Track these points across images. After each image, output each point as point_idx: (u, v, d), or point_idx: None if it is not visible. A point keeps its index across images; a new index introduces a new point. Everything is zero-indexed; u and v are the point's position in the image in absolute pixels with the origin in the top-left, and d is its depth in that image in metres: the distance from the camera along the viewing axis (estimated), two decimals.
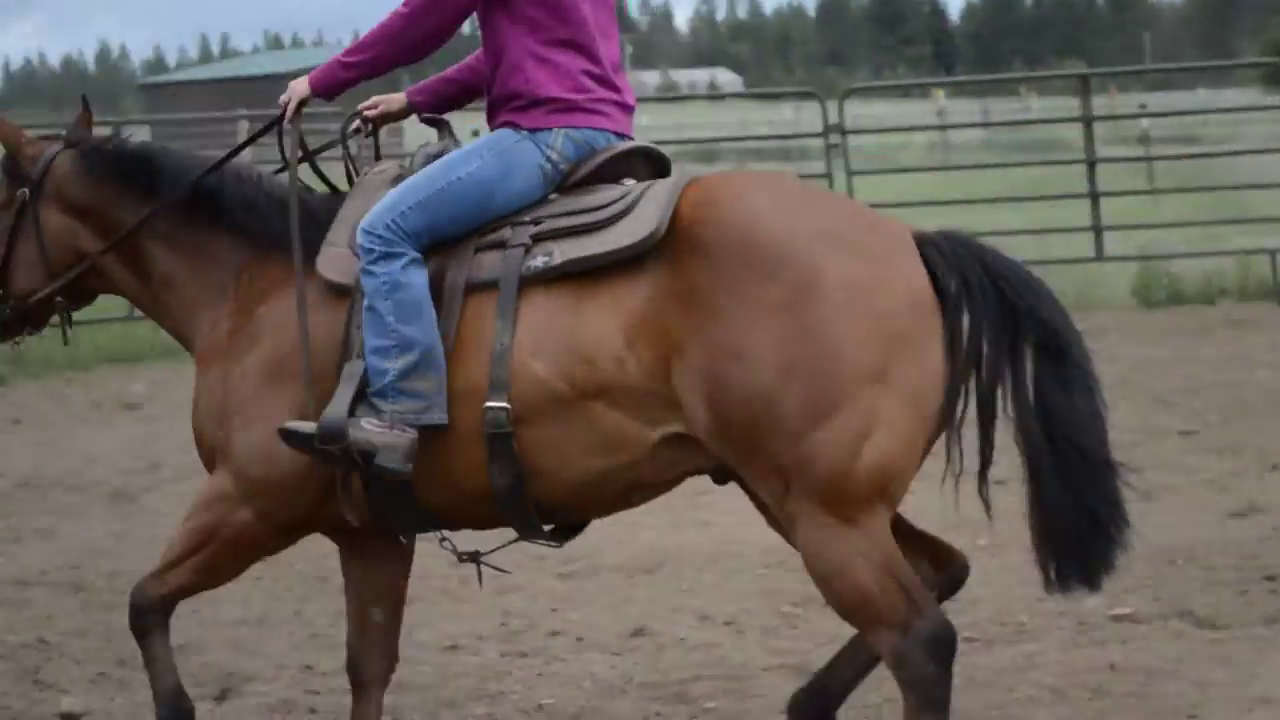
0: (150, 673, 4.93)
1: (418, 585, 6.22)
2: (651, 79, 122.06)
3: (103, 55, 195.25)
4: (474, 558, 4.91)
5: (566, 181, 4.71)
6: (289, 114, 4.91)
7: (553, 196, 4.70)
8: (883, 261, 4.34)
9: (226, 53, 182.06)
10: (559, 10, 4.68)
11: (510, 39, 4.71)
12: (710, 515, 7.99)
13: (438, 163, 4.75)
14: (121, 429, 11.15)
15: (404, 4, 4.70)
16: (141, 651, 4.95)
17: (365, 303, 4.54)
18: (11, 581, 7.53)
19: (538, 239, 4.56)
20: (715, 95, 72.54)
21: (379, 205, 4.62)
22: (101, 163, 5.16)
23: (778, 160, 34.10)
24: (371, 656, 5.09)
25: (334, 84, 4.82)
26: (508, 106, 4.74)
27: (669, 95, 67.68)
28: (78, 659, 6.51)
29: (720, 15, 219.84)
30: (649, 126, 28.17)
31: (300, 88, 4.87)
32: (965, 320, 4.34)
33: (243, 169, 5.11)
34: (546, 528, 4.74)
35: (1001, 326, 4.36)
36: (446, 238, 4.64)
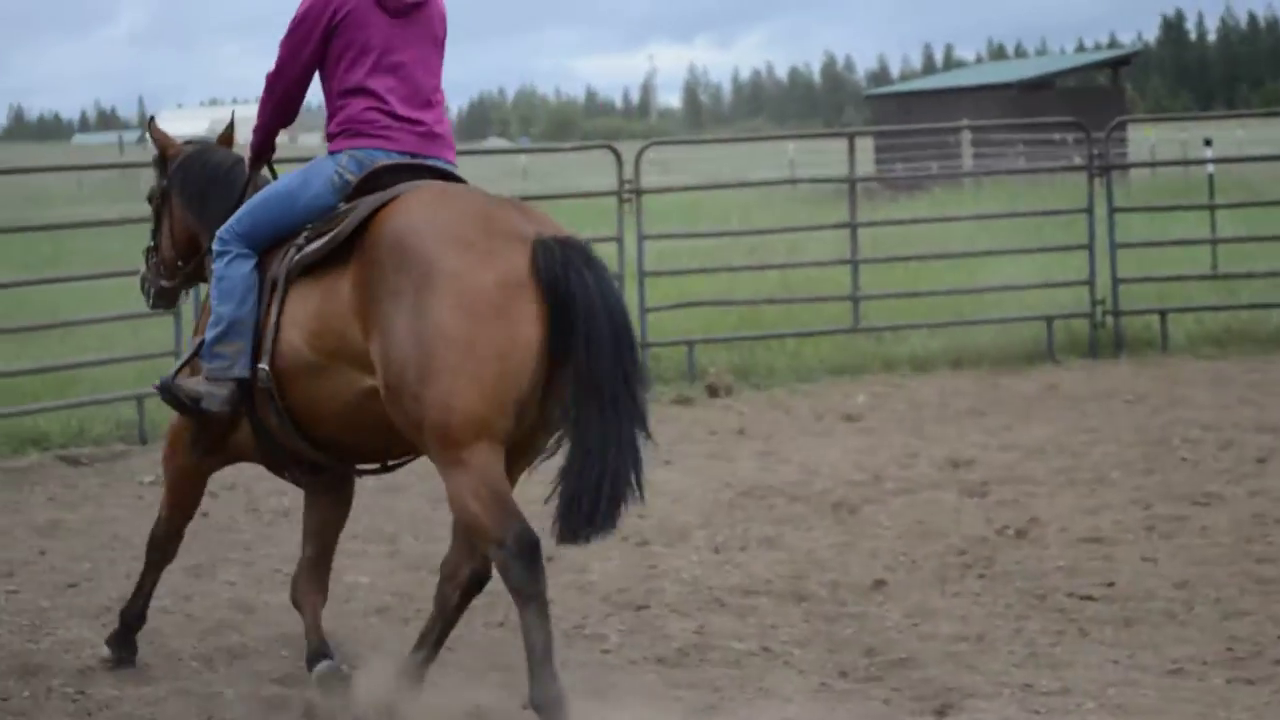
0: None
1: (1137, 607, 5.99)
2: None
3: (828, 67, 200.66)
4: None
5: (350, 189, 6.06)
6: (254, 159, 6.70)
7: (341, 205, 6.03)
8: (487, 254, 5.48)
9: (950, 63, 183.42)
10: (352, 72, 6.14)
11: (327, 94, 6.30)
12: None
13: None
14: (843, 440, 11.28)
15: (267, 77, 6.35)
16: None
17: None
18: (738, 589, 7.71)
19: (306, 241, 5.98)
20: None
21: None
22: (192, 169, 6.79)
23: None
24: (302, 583, 6.66)
25: (255, 151, 6.70)
26: (328, 140, 6.26)
27: None
28: (800, 669, 6.60)
29: None
30: None
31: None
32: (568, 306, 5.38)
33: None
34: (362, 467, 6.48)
35: (587, 315, 5.39)
36: (268, 238, 6.17)
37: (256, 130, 6.62)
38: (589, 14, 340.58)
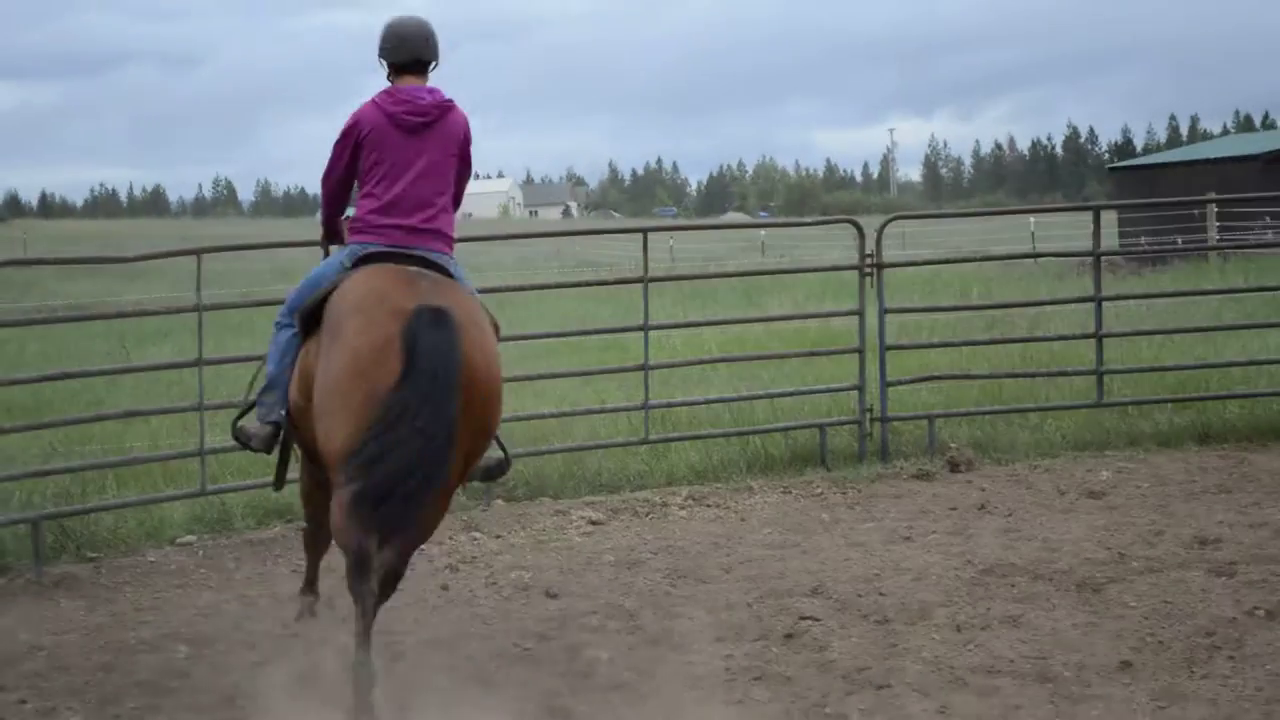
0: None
1: None
2: None
3: (1070, 139, 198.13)
4: None
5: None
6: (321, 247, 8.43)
7: None
8: (370, 324, 6.92)
9: (1195, 134, 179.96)
10: (368, 179, 7.64)
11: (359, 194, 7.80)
12: None
13: None
14: (1086, 517, 11.09)
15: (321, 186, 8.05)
16: None
17: None
18: (980, 669, 7.63)
19: None
20: None
21: None
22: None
23: None
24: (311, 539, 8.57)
25: (323, 232, 8.35)
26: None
27: None
28: None
29: None
30: None
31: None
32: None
33: None
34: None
35: (417, 359, 6.70)
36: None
37: (322, 217, 8.21)
38: (830, 87, 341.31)
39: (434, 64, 7.82)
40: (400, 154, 7.54)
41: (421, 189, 7.56)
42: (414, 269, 7.33)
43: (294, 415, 7.68)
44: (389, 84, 7.74)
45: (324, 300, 7.36)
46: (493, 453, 7.79)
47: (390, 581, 6.89)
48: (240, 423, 8.12)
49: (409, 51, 7.74)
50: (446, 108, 7.66)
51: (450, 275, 7.47)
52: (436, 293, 7.07)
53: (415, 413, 6.65)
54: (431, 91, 7.68)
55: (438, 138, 7.60)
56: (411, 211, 7.53)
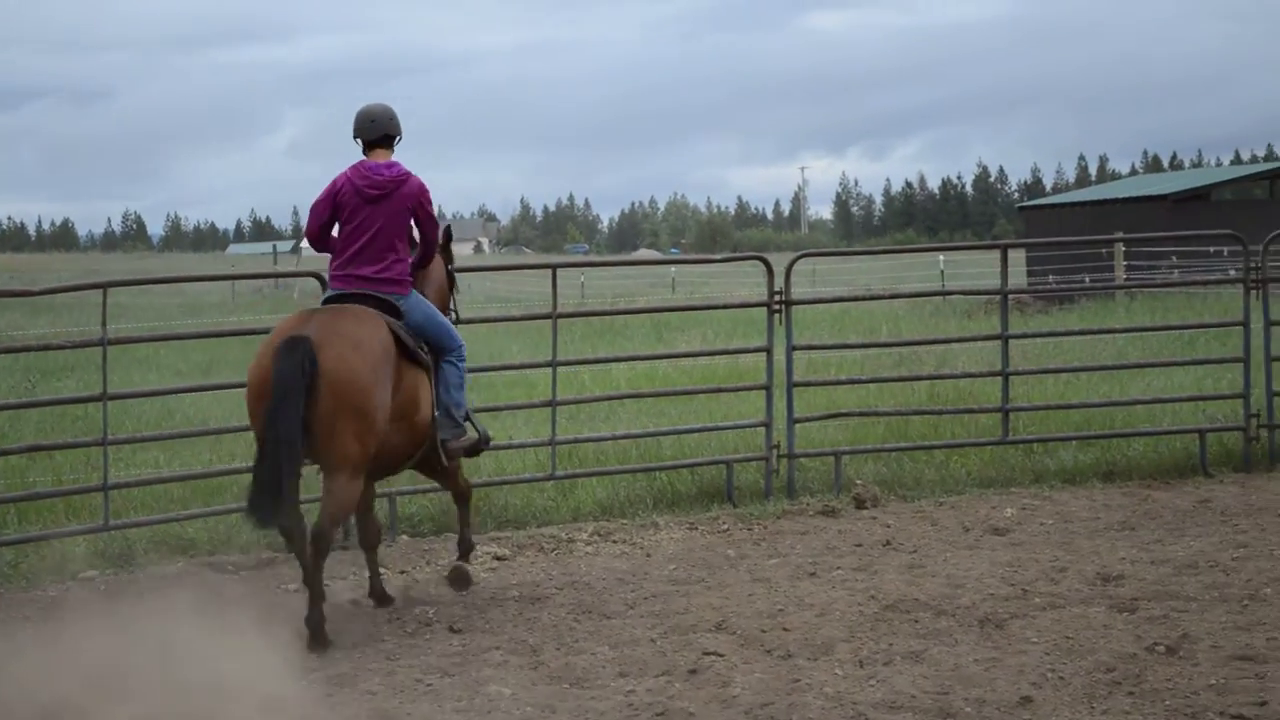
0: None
1: None
2: None
3: (981, 178, 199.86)
4: None
5: None
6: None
7: None
8: (265, 354, 9.14)
9: (1104, 174, 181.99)
10: (339, 234, 9.76)
11: None
12: None
13: None
14: (991, 553, 11.14)
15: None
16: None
17: None
18: (882, 705, 7.63)
19: None
20: None
21: None
22: None
23: None
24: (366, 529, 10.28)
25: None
26: None
27: None
28: None
29: None
30: None
31: None
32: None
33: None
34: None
35: (270, 382, 8.96)
36: None
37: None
38: (742, 125, 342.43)
39: (398, 138, 9.87)
40: (363, 218, 9.61)
41: (379, 245, 9.63)
42: (324, 306, 9.57)
43: None
44: (363, 156, 9.80)
45: None
46: (471, 433, 10.08)
47: (317, 539, 9.12)
48: None
49: (379, 129, 9.80)
50: (402, 180, 9.69)
51: (393, 306, 9.63)
52: (321, 323, 9.14)
53: (272, 421, 8.83)
54: (390, 166, 9.73)
55: (393, 205, 9.65)
56: (370, 263, 9.63)
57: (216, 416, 14.73)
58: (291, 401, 8.78)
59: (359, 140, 9.82)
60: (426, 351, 9.76)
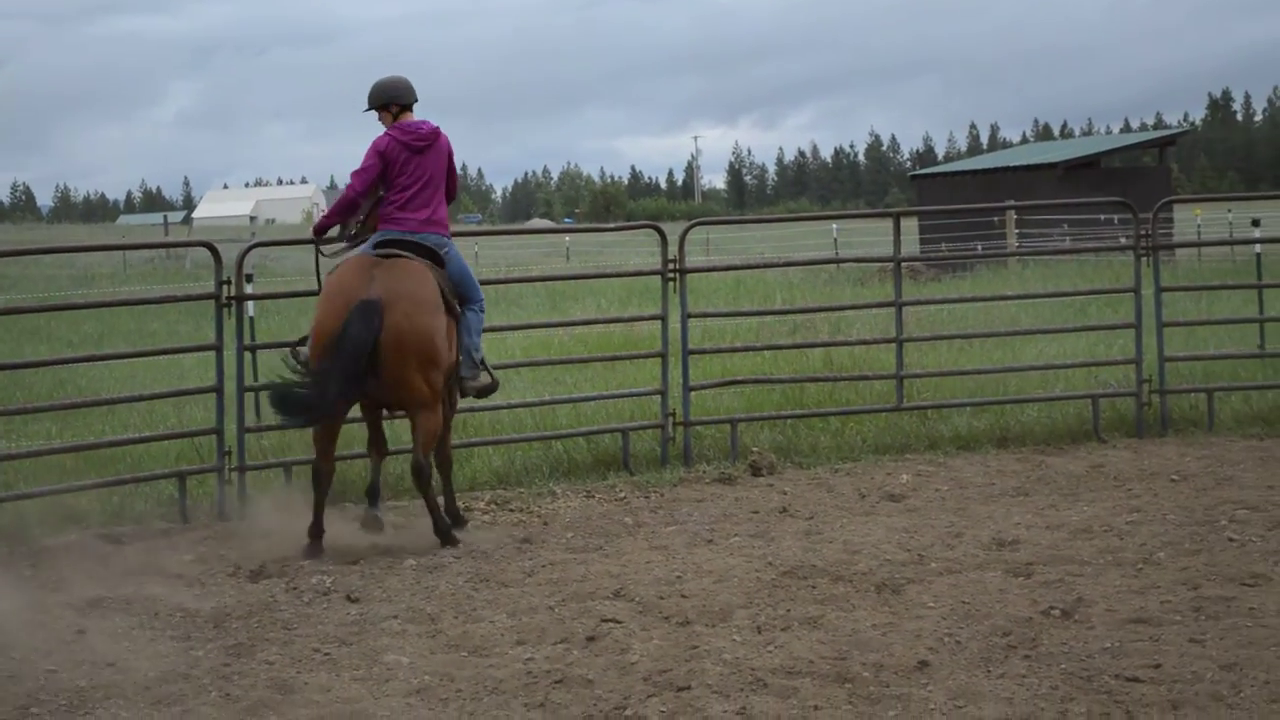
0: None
1: (1184, 689, 5.84)
2: None
3: (873, 147, 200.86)
4: None
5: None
6: (315, 234, 11.23)
7: None
8: (332, 308, 10.39)
9: (996, 143, 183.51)
10: (390, 186, 10.82)
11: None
12: None
13: None
14: (887, 519, 11.19)
15: (345, 189, 10.90)
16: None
17: None
18: (780, 670, 7.63)
19: None
20: None
21: None
22: None
23: None
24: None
25: (320, 228, 11.19)
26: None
27: None
28: None
29: None
30: None
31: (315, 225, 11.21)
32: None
33: None
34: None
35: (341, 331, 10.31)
36: None
37: (326, 216, 11.18)
38: (633, 95, 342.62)
39: (416, 101, 11.07)
40: (413, 168, 10.76)
41: (428, 191, 10.82)
42: (380, 258, 10.57)
43: None
44: (387, 123, 10.93)
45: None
46: (484, 376, 11.20)
47: (416, 470, 10.58)
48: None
49: (411, 95, 11.02)
50: (436, 133, 10.89)
51: (437, 251, 10.79)
52: (385, 285, 10.32)
53: (337, 358, 10.15)
54: (424, 123, 10.93)
55: (433, 155, 10.85)
56: (420, 209, 10.79)
57: (109, 387, 14.52)
58: (360, 357, 10.14)
59: (391, 108, 10.96)
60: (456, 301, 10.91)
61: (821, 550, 10.19)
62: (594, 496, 12.36)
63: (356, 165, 10.78)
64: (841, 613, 8.67)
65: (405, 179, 10.75)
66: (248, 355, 12.40)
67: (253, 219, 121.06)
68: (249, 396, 12.54)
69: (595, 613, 8.76)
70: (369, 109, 11.06)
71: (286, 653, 8.25)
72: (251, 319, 13.09)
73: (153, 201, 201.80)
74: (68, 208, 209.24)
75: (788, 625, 8.45)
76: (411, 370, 10.31)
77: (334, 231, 11.17)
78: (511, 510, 11.90)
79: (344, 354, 10.10)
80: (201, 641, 8.49)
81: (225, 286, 11.95)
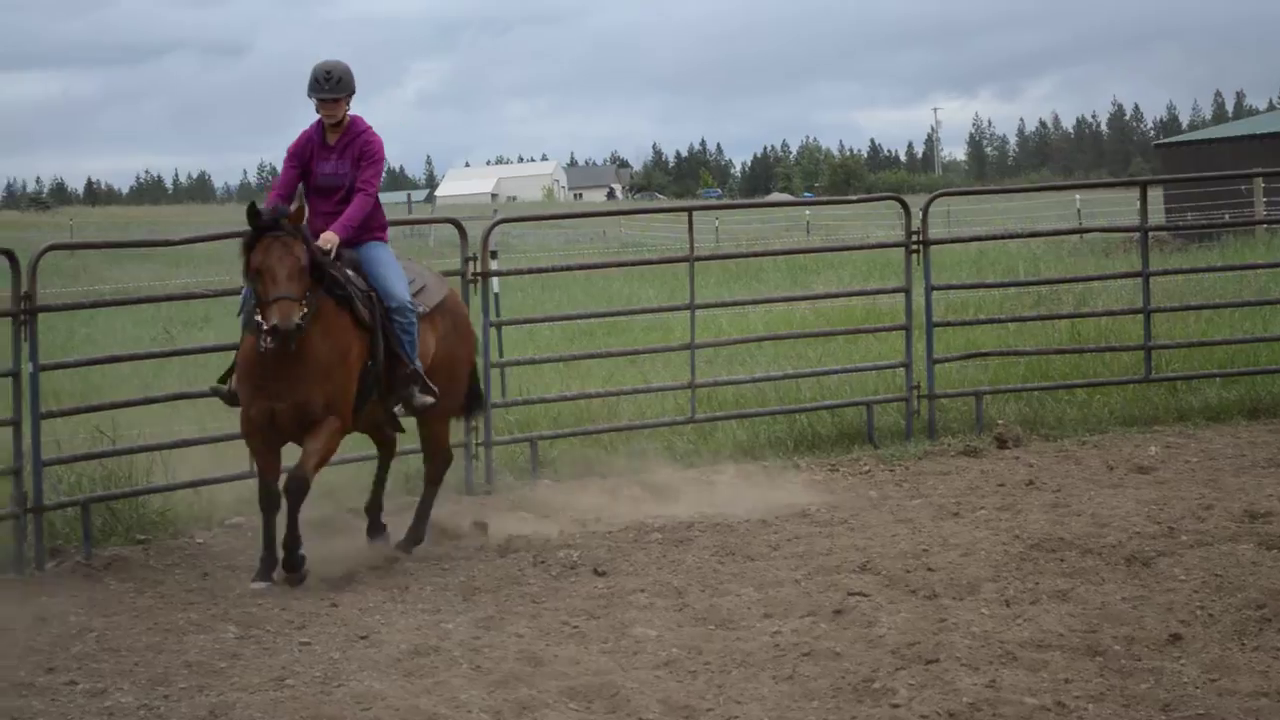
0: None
1: None
2: None
3: (1115, 117, 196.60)
4: None
5: None
6: (333, 254, 9.82)
7: None
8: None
9: (1241, 110, 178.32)
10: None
11: None
12: None
13: None
14: (1135, 491, 11.03)
15: (366, 198, 10.18)
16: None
17: None
18: (1030, 643, 7.59)
19: None
20: None
21: None
22: None
23: None
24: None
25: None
26: None
27: None
28: None
29: None
30: None
31: (332, 238, 9.82)
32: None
33: None
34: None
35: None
36: None
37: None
38: (871, 68, 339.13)
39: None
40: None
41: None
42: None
43: None
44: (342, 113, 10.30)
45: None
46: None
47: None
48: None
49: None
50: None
51: None
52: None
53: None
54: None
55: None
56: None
57: None
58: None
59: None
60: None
61: (1069, 523, 10.08)
62: (838, 470, 12.37)
63: (596, 144, 10.73)
64: (1091, 586, 8.58)
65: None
66: (493, 331, 12.61)
67: (494, 196, 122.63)
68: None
69: (842, 586, 8.78)
70: (340, 96, 10.05)
71: (535, 625, 8.42)
72: (496, 295, 13.32)
73: (395, 180, 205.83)
74: None
75: (1036, 598, 8.39)
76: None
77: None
78: (755, 484, 11.96)
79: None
80: (451, 614, 8.71)
81: (470, 263, 12.15)
